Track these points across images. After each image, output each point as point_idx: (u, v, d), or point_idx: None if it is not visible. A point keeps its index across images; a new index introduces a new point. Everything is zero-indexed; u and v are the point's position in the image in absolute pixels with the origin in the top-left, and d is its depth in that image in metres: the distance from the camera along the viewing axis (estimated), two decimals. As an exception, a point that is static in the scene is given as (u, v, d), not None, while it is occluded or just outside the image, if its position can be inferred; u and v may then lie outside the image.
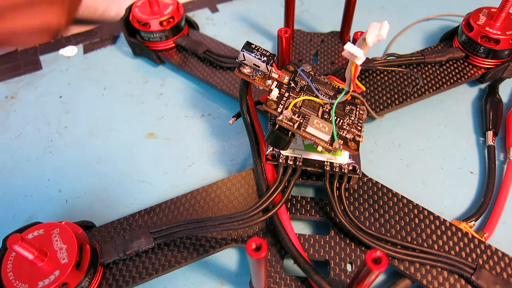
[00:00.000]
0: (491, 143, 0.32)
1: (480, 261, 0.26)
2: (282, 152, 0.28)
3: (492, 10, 0.36)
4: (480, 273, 0.25)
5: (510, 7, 0.34)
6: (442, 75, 0.36)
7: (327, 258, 0.26)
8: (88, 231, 0.28)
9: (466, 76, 0.36)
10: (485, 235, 0.28)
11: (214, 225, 0.25)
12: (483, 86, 0.38)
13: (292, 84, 0.28)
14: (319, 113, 0.27)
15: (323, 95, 0.28)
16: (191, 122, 0.36)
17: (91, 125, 0.36)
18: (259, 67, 0.27)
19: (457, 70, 0.36)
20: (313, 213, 0.29)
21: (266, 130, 0.32)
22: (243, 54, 0.27)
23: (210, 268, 0.28)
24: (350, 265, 0.26)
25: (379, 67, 0.35)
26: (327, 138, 0.25)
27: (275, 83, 0.27)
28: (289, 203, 0.29)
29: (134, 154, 0.34)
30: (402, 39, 0.43)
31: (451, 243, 0.27)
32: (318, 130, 0.25)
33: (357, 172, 0.27)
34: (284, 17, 0.39)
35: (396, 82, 0.36)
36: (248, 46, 0.27)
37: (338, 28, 0.40)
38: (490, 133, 0.33)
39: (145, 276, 0.26)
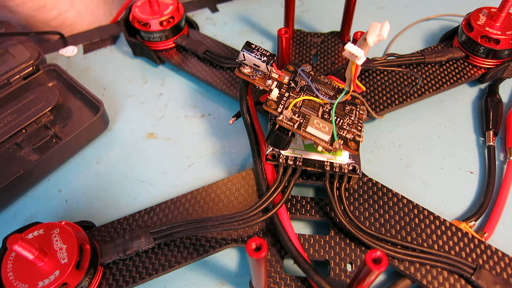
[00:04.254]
0: (491, 143, 0.32)
1: (480, 261, 0.26)
2: (282, 152, 0.28)
3: (492, 10, 0.36)
4: (480, 273, 0.25)
5: (510, 7, 0.34)
6: (442, 75, 0.36)
7: (327, 258, 0.26)
8: (88, 231, 0.28)
9: (466, 76, 0.36)
10: (485, 235, 0.28)
11: (214, 225, 0.25)
12: (483, 86, 0.38)
13: (292, 84, 0.28)
14: (319, 113, 0.27)
15: (323, 95, 0.28)
16: (191, 122, 0.36)
17: (91, 125, 0.36)
18: (259, 67, 0.27)
19: (457, 70, 0.36)
20: (313, 213, 0.29)
21: (266, 130, 0.32)
22: (243, 54, 0.27)
23: (210, 268, 0.28)
24: (350, 265, 0.26)
25: (379, 67, 0.35)
26: (327, 138, 0.25)
27: (275, 83, 0.27)
28: (289, 203, 0.29)
29: (134, 154, 0.34)
30: (402, 39, 0.43)
31: (451, 243, 0.27)
32: (318, 130, 0.25)
33: (357, 172, 0.27)
34: (284, 17, 0.39)
35: (396, 82, 0.36)
36: (248, 46, 0.27)
37: (338, 28, 0.40)
38: (490, 133, 0.33)
39: (145, 276, 0.26)
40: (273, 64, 0.27)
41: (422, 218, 0.28)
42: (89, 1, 0.51)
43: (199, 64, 0.38)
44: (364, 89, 0.27)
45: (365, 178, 0.30)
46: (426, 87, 0.35)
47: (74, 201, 0.32)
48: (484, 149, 0.33)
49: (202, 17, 0.46)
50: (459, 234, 0.27)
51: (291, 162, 0.28)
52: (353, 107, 0.29)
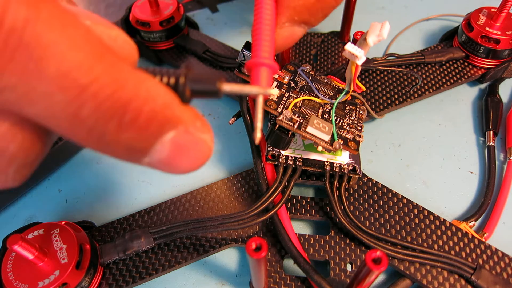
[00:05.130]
0: (491, 143, 0.32)
1: (480, 261, 0.26)
2: (282, 152, 0.28)
3: (492, 10, 0.36)
4: (480, 273, 0.25)
5: (510, 7, 0.34)
6: (442, 75, 0.36)
7: (327, 258, 0.26)
8: (88, 231, 0.28)
9: (466, 76, 0.36)
10: (485, 235, 0.28)
11: (214, 225, 0.25)
12: (483, 86, 0.38)
13: (292, 84, 0.28)
14: (319, 113, 0.27)
15: (323, 95, 0.28)
16: (191, 122, 0.36)
17: (91, 125, 0.36)
18: (259, 67, 0.27)
19: (457, 70, 0.36)
20: (313, 213, 0.29)
21: (266, 130, 0.32)
22: (243, 54, 0.27)
23: (210, 268, 0.28)
24: (350, 265, 0.26)
25: (379, 67, 0.35)
26: (327, 138, 0.25)
27: (275, 83, 0.27)
28: (289, 203, 0.29)
29: (134, 154, 0.34)
30: (402, 39, 0.43)
31: (451, 243, 0.27)
32: (318, 130, 0.25)
33: (357, 172, 0.27)
34: (284, 17, 0.39)
35: (396, 82, 0.36)
36: (248, 46, 0.27)
37: (338, 28, 0.40)
38: (490, 133, 0.33)
39: (145, 276, 0.26)
40: (273, 64, 0.27)
41: (422, 218, 0.28)
42: (89, 2, 0.51)
43: (199, 64, 0.38)
44: (364, 89, 0.27)
45: (365, 178, 0.30)
46: (426, 87, 0.35)
47: (74, 201, 0.32)
48: (484, 149, 0.33)
49: (202, 17, 0.46)
50: (459, 234, 0.27)
51: (291, 162, 0.28)
52: (353, 107, 0.29)
